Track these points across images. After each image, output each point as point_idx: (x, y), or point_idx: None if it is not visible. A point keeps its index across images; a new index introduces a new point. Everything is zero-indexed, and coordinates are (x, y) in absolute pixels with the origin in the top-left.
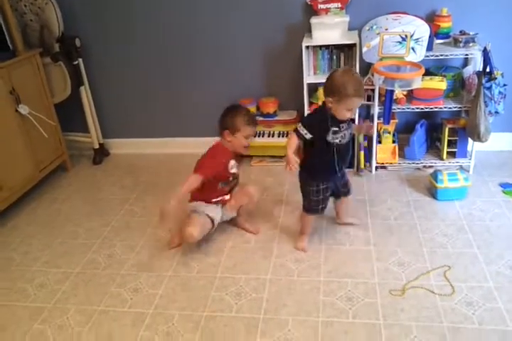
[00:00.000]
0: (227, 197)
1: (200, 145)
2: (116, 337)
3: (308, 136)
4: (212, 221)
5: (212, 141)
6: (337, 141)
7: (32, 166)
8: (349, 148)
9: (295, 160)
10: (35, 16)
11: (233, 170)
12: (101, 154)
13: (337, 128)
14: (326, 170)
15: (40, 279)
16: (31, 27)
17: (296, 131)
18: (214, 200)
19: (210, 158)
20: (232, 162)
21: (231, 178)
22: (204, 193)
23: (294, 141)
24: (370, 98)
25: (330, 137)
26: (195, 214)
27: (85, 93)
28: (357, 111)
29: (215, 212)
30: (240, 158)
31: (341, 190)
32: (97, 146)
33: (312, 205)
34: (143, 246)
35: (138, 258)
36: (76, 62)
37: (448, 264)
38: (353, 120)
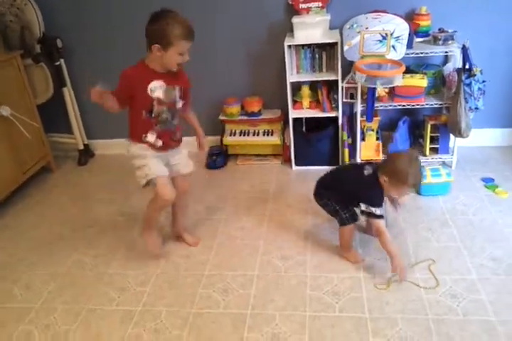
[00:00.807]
0: (157, 139)
1: (184, 144)
2: (104, 335)
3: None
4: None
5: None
6: None
7: (15, 168)
8: None
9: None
10: (14, 17)
11: (157, 94)
12: (86, 155)
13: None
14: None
15: (26, 280)
16: (11, 28)
17: (379, 216)
18: (144, 139)
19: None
20: (157, 83)
21: (156, 106)
22: (132, 127)
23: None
24: (352, 96)
25: None
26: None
27: (68, 94)
28: (340, 114)
29: (155, 165)
30: (174, 77)
31: None
32: (81, 147)
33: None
34: (130, 245)
35: (124, 257)
36: (58, 63)
37: (432, 258)
38: None
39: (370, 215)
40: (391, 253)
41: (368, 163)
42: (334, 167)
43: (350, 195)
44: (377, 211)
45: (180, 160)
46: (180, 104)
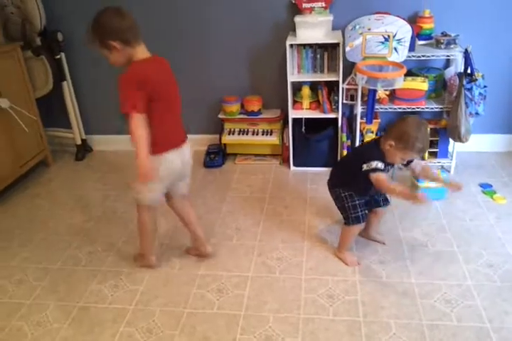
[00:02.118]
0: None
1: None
2: (96, 334)
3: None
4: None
5: (197, 138)
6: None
7: (12, 161)
8: None
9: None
10: (16, 9)
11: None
12: (83, 150)
13: (384, 168)
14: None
15: (19, 275)
16: (12, 20)
17: (376, 170)
18: (172, 138)
19: (125, 88)
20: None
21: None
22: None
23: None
24: (353, 97)
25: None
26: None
27: (67, 88)
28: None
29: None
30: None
31: (377, 199)
32: (79, 142)
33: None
34: (124, 242)
35: (119, 254)
36: (58, 57)
37: (428, 261)
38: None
39: (369, 171)
40: (401, 195)
41: None
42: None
43: (354, 168)
44: (373, 164)
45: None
46: None
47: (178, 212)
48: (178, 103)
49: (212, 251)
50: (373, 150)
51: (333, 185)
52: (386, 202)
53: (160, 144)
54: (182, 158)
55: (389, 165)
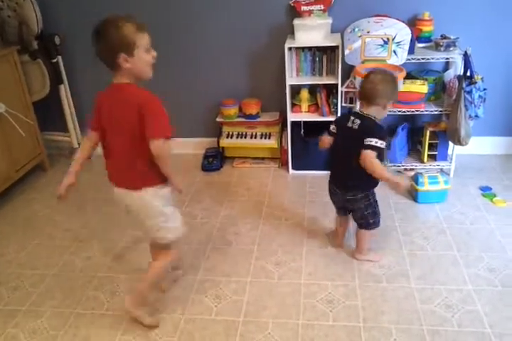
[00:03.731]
0: None
1: (182, 146)
2: None
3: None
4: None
5: (195, 141)
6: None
7: (8, 165)
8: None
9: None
10: (13, 12)
11: None
12: None
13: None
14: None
15: (14, 282)
16: (9, 23)
17: (375, 148)
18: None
19: (162, 113)
20: None
21: None
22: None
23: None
24: (352, 100)
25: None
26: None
27: (64, 91)
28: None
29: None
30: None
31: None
32: (76, 146)
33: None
34: (121, 248)
35: (116, 260)
36: (55, 60)
37: (428, 265)
38: None
39: (372, 147)
40: (384, 178)
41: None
42: None
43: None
44: (378, 142)
45: None
46: None
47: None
48: (120, 141)
49: (129, 311)
50: (376, 124)
51: (354, 188)
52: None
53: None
54: (126, 203)
55: None
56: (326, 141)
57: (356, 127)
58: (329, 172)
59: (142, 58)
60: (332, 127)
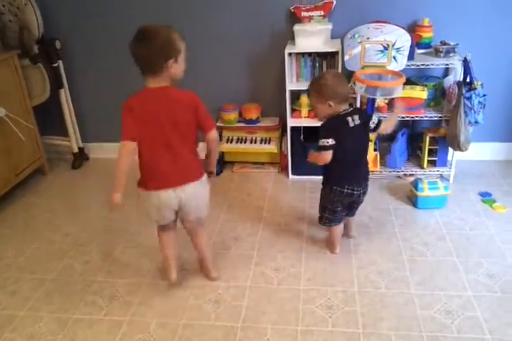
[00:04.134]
0: None
1: None
2: None
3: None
4: None
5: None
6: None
7: (8, 169)
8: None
9: None
10: (14, 17)
11: None
12: (80, 158)
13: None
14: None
15: (12, 286)
16: (10, 28)
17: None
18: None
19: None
20: None
21: None
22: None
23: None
24: (351, 106)
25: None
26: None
27: (65, 96)
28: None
29: None
30: None
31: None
32: (76, 150)
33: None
34: (121, 252)
35: (115, 264)
36: (56, 65)
37: (427, 271)
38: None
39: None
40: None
41: None
42: None
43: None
44: (320, 142)
45: None
46: None
47: (189, 234)
48: (176, 138)
49: (217, 276)
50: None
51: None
52: None
53: (148, 180)
54: (180, 197)
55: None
56: (329, 156)
57: (359, 121)
58: (345, 176)
59: (182, 64)
60: (330, 140)
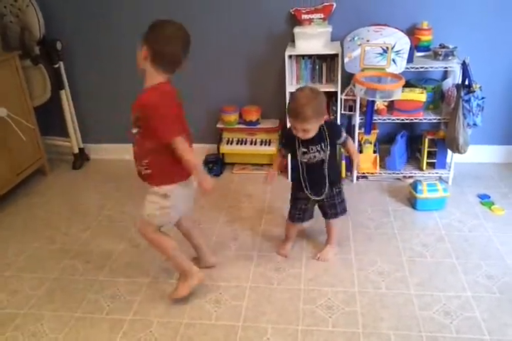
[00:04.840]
0: None
1: None
2: None
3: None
4: None
5: (195, 147)
6: (305, 160)
7: (9, 169)
8: (320, 170)
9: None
10: (15, 18)
11: None
12: (81, 159)
13: (305, 150)
14: (298, 183)
15: (14, 285)
16: (11, 29)
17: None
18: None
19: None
20: None
21: None
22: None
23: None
24: (351, 108)
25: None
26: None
27: (65, 97)
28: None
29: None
30: None
31: (327, 211)
32: (76, 151)
33: (291, 212)
34: (121, 251)
35: (116, 263)
36: (57, 66)
37: (427, 272)
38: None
39: None
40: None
41: None
42: None
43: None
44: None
45: None
46: (134, 131)
47: (183, 230)
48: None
49: (216, 261)
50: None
51: (333, 182)
52: (332, 216)
53: (176, 174)
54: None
55: (312, 145)
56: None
57: None
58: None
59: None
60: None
